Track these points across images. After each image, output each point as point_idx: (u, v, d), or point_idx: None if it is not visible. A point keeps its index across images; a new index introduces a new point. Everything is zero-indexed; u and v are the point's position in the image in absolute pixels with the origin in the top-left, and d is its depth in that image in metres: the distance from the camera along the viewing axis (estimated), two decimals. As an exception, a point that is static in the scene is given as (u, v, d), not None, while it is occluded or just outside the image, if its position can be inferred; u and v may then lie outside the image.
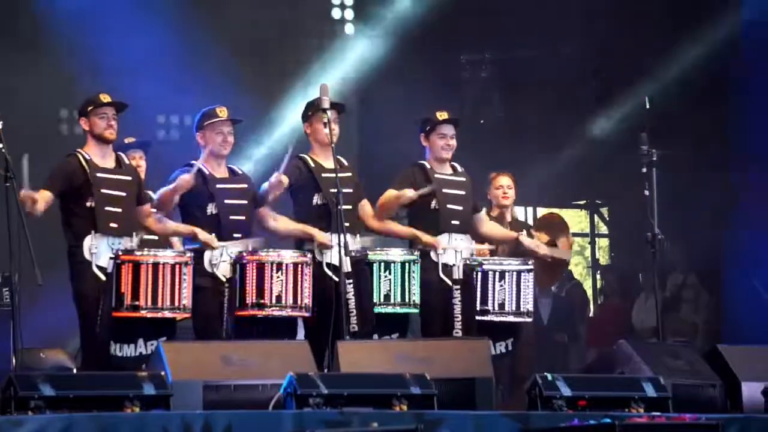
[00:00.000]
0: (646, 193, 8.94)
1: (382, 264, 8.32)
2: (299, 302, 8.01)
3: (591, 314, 13.89)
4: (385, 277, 8.31)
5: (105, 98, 8.03)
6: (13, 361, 7.39)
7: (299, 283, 8.01)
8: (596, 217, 15.56)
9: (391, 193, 8.56)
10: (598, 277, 15.03)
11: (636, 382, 7.49)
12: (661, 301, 9.29)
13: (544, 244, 9.21)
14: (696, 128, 12.35)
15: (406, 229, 8.66)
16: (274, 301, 7.96)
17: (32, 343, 8.04)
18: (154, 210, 8.18)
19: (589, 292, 14.73)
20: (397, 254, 8.38)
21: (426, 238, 8.51)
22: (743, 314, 11.56)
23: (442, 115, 8.72)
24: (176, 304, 7.79)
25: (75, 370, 8.54)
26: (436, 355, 7.61)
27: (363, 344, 7.87)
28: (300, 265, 8.03)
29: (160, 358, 7.03)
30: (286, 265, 8.00)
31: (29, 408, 6.31)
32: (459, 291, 8.48)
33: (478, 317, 8.43)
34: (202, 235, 8.03)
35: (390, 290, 8.31)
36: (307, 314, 8.07)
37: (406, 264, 8.35)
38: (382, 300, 8.30)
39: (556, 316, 12.88)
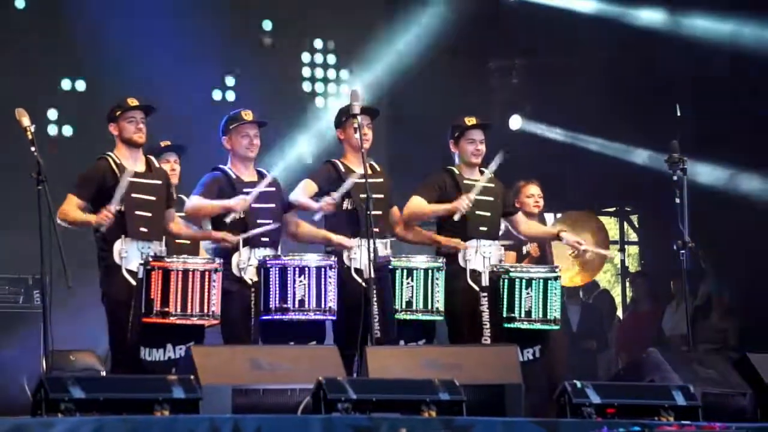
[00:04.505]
0: (677, 200, 8.90)
1: (405, 270, 8.24)
2: (323, 306, 7.99)
3: (619, 321, 13.82)
4: (408, 283, 8.23)
5: (132, 102, 8.05)
6: (44, 363, 7.42)
7: (323, 286, 8.00)
8: (626, 225, 15.50)
9: (422, 203, 8.53)
10: (627, 284, 14.97)
11: (666, 390, 7.45)
12: (691, 309, 9.24)
13: (583, 240, 9.07)
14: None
15: (428, 234, 8.64)
16: (297, 305, 7.95)
17: (62, 345, 8.07)
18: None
19: (618, 300, 14.68)
20: (420, 261, 8.31)
21: (452, 241, 8.48)
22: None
23: (470, 121, 8.71)
24: (205, 311, 7.80)
25: (105, 373, 8.56)
26: (464, 362, 7.59)
27: (392, 350, 7.85)
28: (323, 269, 8.01)
29: (190, 362, 7.03)
30: (309, 268, 7.98)
31: (59, 410, 6.33)
32: (486, 298, 8.46)
33: (504, 324, 8.40)
34: (231, 237, 8.03)
35: (412, 297, 8.24)
36: (332, 317, 8.06)
37: (430, 271, 8.28)
38: (404, 306, 8.22)
39: (584, 323, 12.84)
